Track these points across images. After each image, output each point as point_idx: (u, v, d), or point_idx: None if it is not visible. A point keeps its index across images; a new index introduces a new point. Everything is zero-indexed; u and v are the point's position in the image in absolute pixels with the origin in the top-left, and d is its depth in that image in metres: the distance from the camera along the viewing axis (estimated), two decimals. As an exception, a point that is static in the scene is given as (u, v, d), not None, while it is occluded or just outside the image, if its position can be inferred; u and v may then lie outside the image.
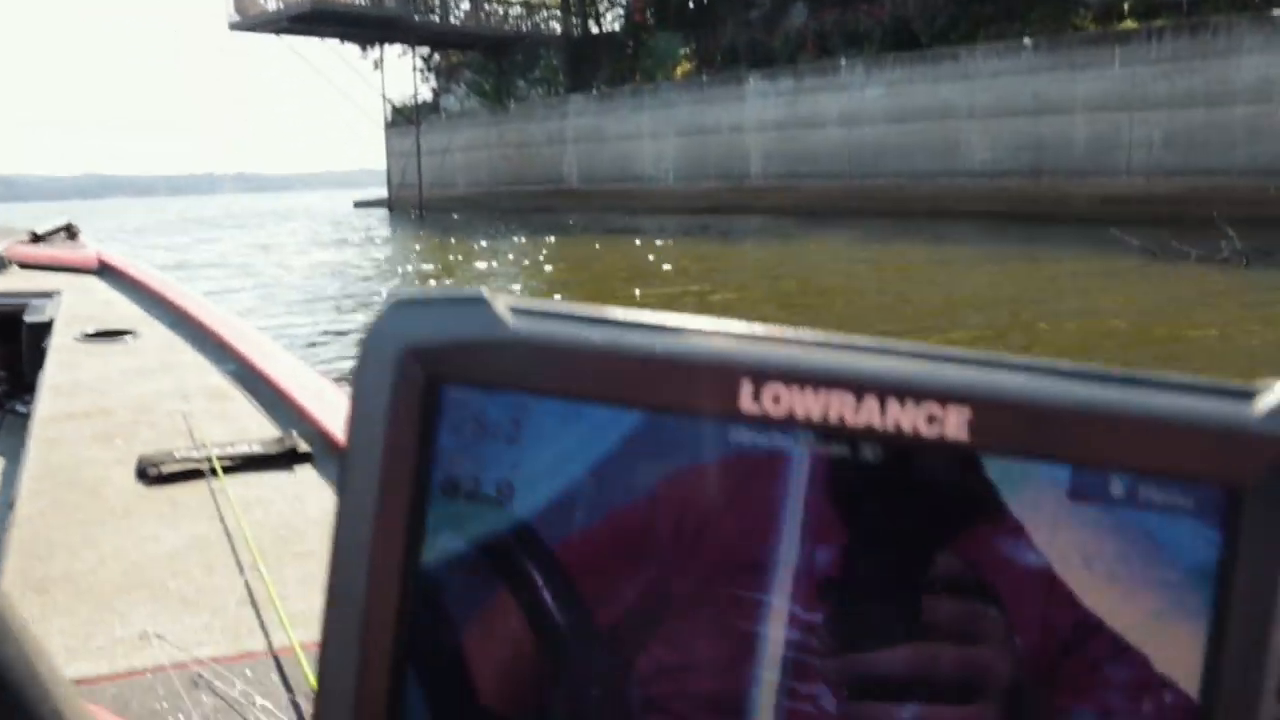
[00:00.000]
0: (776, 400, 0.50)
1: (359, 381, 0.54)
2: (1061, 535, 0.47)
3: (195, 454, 2.93)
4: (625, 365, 0.51)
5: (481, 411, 0.55)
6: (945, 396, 0.48)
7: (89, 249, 5.70)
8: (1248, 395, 0.46)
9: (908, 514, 0.49)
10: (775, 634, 0.50)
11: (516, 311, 0.54)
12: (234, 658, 1.91)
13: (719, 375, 0.50)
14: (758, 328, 0.51)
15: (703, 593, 0.51)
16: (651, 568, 0.52)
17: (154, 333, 4.40)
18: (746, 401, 0.50)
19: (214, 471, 2.77)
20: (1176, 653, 0.46)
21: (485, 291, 0.55)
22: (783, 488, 0.50)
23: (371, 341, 0.54)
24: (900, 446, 0.49)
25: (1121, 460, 0.47)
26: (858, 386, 0.49)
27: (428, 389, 0.54)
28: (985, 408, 0.48)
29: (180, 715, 1.68)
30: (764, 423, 0.50)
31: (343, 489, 0.54)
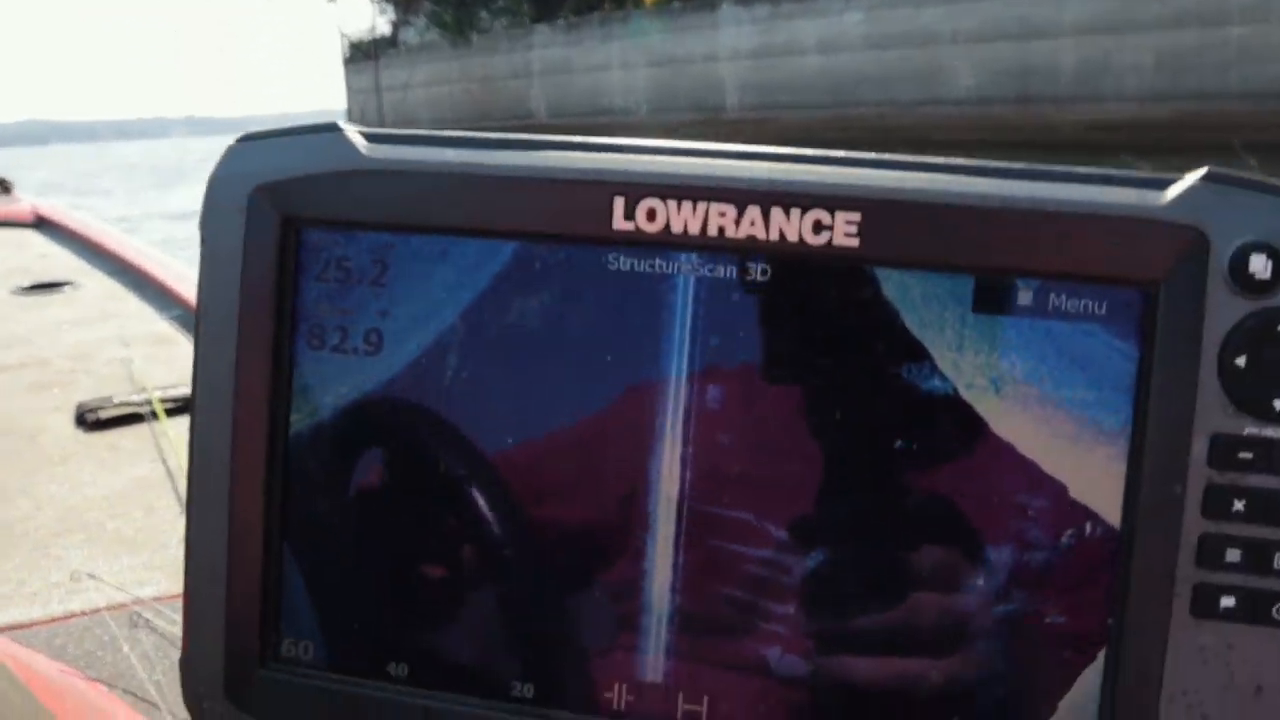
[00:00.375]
0: (652, 216, 0.48)
1: (207, 229, 0.53)
2: (968, 358, 0.46)
3: (135, 398, 2.90)
4: (488, 187, 0.50)
5: (344, 255, 0.53)
6: (832, 201, 0.46)
7: (23, 203, 5.63)
8: (1158, 185, 0.45)
9: (801, 340, 0.48)
10: (667, 469, 0.49)
11: (372, 138, 0.52)
12: (174, 596, 1.91)
13: (589, 192, 0.49)
14: (630, 141, 0.50)
15: (589, 426, 0.50)
16: (532, 406, 0.51)
17: (94, 283, 4.36)
18: (620, 220, 0.48)
19: (155, 415, 2.76)
20: (1095, 475, 0.45)
21: (340, 121, 0.53)
22: (666, 316, 0.49)
23: (218, 182, 0.52)
24: (787, 260, 0.48)
25: (1027, 263, 0.46)
26: (738, 196, 0.47)
27: (284, 232, 0.52)
28: (876, 210, 0.46)
29: (119, 655, 1.68)
30: (641, 244, 0.48)
31: (198, 348, 0.53)
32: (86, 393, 2.90)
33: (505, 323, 0.49)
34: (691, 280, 0.47)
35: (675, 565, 0.48)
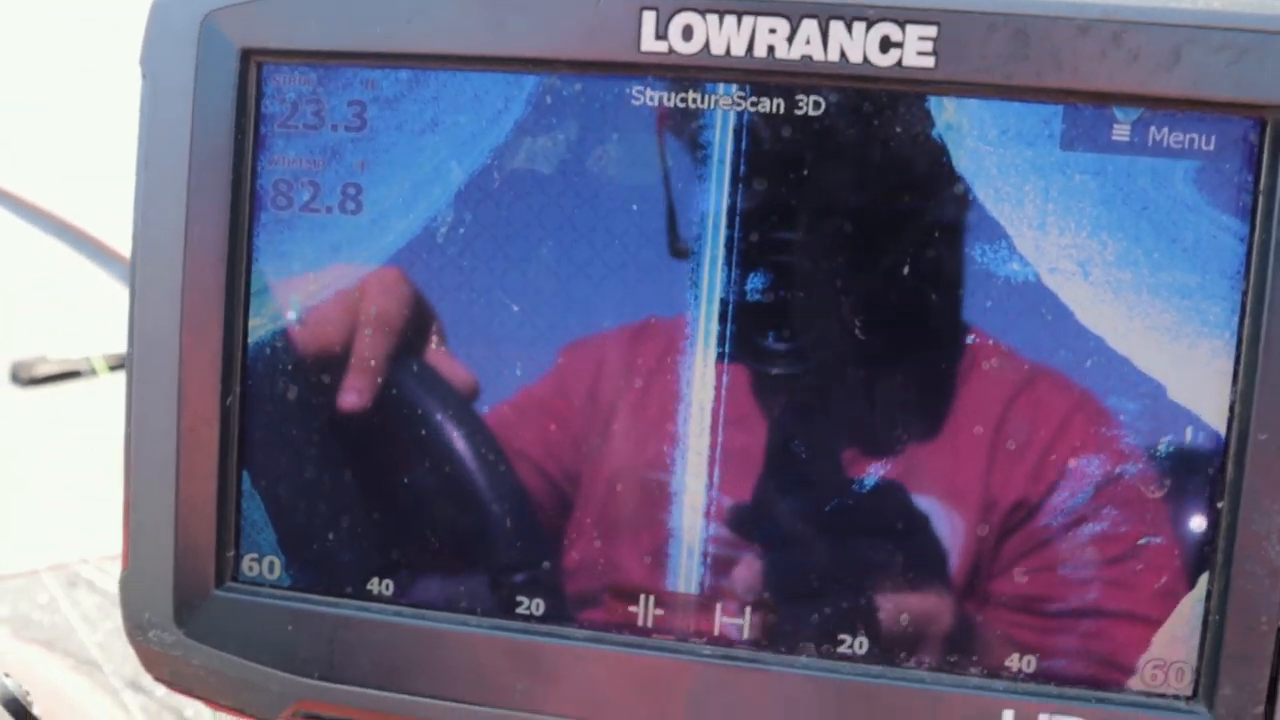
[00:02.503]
0: (689, 34, 0.40)
1: (149, 64, 0.43)
2: (1051, 237, 0.39)
3: (74, 355, 2.79)
4: (490, 3, 0.42)
5: (316, 94, 0.45)
6: (904, 12, 0.39)
7: None
8: None
9: (856, 190, 0.41)
10: (700, 367, 0.42)
11: None
12: (116, 556, 1.81)
13: (613, 6, 0.41)
14: None
15: (614, 308, 0.42)
16: (550, 293, 0.43)
17: (24, 236, 4.20)
18: (650, 39, 0.41)
19: (94, 370, 2.66)
20: (1197, 374, 0.38)
21: None
22: (702, 167, 0.41)
23: (163, 7, 0.44)
24: (847, 89, 0.40)
25: (1129, 88, 0.39)
26: (792, 7, 0.40)
27: (244, 67, 0.44)
28: (956, 23, 0.39)
29: (59, 615, 1.58)
30: (674, 70, 0.41)
31: (139, 209, 0.44)
32: (19, 351, 2.78)
33: (514, 179, 0.41)
34: (731, 116, 0.40)
35: (712, 471, 0.41)
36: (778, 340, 0.41)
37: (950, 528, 0.41)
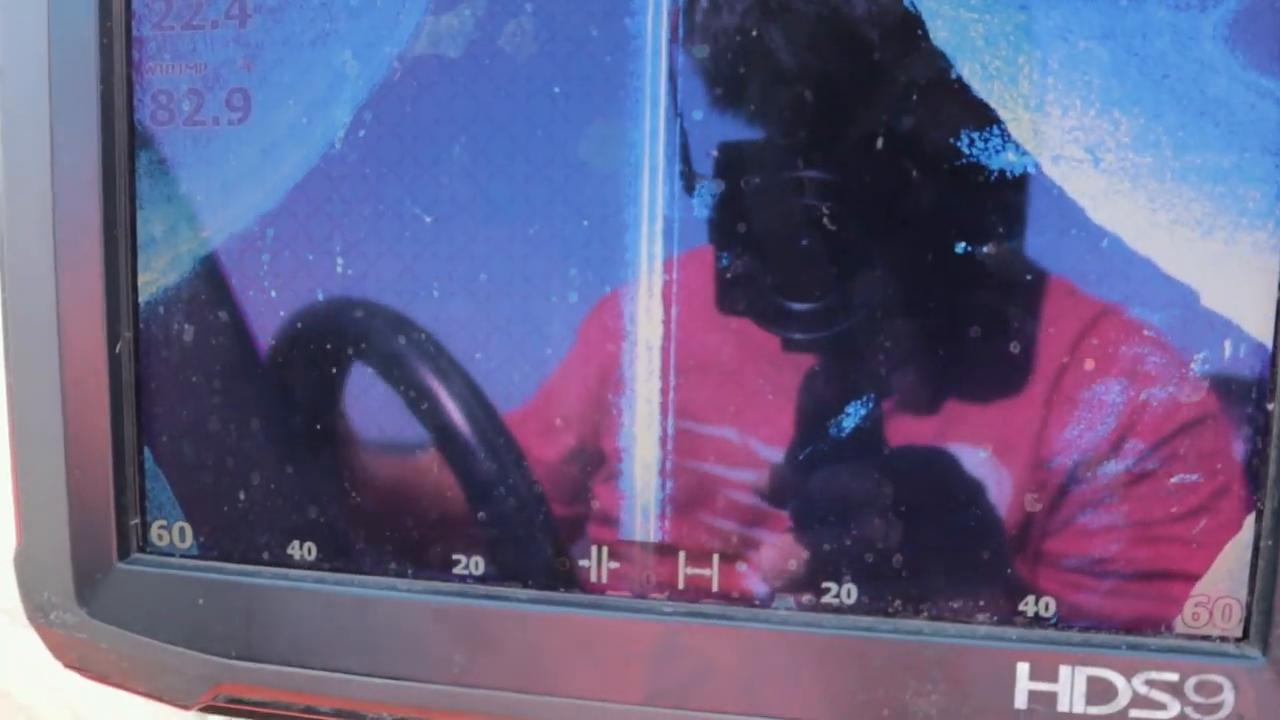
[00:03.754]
0: None
1: None
2: (1053, 118, 0.31)
3: None
4: None
5: None
6: None
7: None
8: None
9: (812, 74, 0.35)
10: (645, 274, 0.36)
11: None
12: None
13: None
14: None
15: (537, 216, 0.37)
16: (470, 211, 0.38)
17: None
18: None
19: None
20: (1236, 274, 0.32)
21: None
22: (630, 36, 0.35)
23: None
24: None
25: None
26: None
27: None
28: None
29: None
30: None
31: (3, 158, 0.39)
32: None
33: (417, 70, 0.35)
34: None
35: (666, 394, 0.36)
36: (730, 260, 0.35)
37: (960, 457, 0.35)
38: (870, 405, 0.35)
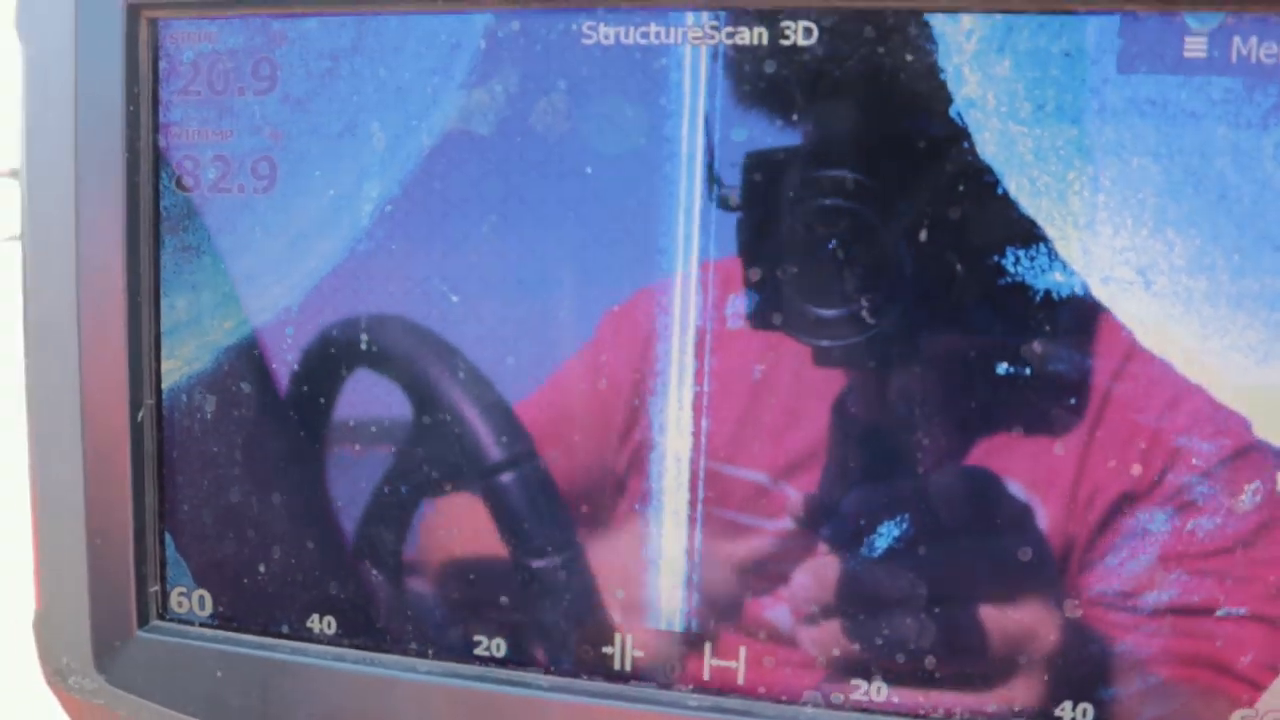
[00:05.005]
0: None
1: (25, 28, 0.38)
2: (1103, 237, 0.31)
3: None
4: None
5: (216, 51, 0.38)
6: None
7: None
8: None
9: (858, 142, 0.34)
10: (683, 310, 0.36)
11: None
12: None
13: None
14: None
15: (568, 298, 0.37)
16: (498, 275, 0.38)
17: None
18: None
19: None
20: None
21: None
22: (669, 117, 0.35)
23: None
24: (844, 10, 0.32)
25: None
26: None
27: (131, 23, 0.37)
28: None
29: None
30: None
31: (26, 205, 0.39)
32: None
33: (450, 144, 0.35)
34: (703, 52, 0.33)
35: (695, 485, 0.35)
36: (765, 325, 0.35)
37: (998, 562, 0.35)
38: (903, 515, 0.35)
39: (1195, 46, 0.31)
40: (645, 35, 0.34)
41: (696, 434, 0.36)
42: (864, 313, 0.34)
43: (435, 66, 0.36)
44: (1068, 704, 0.34)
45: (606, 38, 0.35)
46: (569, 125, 0.35)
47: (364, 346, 0.38)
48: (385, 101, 0.37)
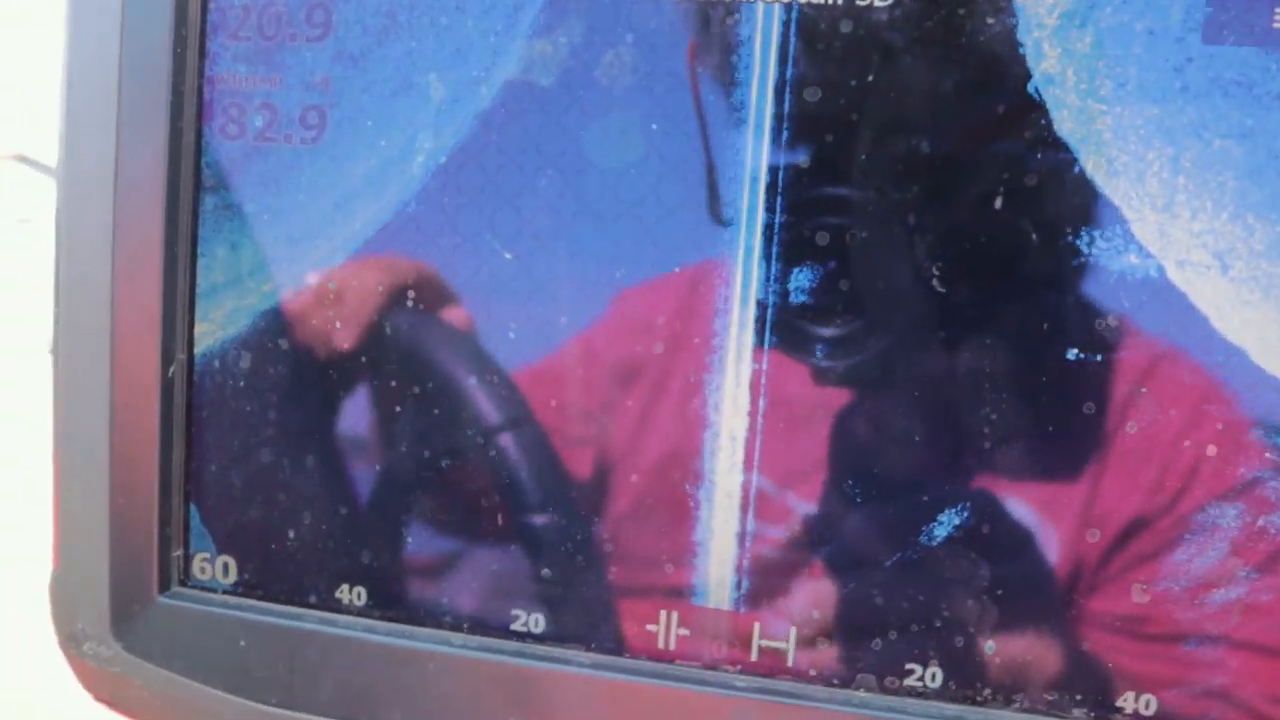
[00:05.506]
0: None
1: None
2: (1180, 212, 0.31)
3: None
4: None
5: None
6: None
7: None
8: None
9: (934, 112, 0.34)
10: (742, 293, 0.35)
11: None
12: None
13: None
14: None
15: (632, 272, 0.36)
16: (563, 254, 0.37)
17: None
18: None
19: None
20: None
21: None
22: (739, 79, 0.34)
23: None
24: None
25: None
26: None
27: None
28: None
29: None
30: None
31: (65, 143, 0.38)
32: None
33: (509, 98, 0.35)
34: (776, 11, 0.33)
35: (751, 458, 0.35)
36: (834, 313, 0.35)
37: (1052, 537, 0.35)
38: (963, 500, 0.35)
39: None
40: None
41: (753, 413, 0.35)
42: (934, 281, 0.33)
43: (497, 16, 0.35)
44: (1130, 695, 0.34)
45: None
46: (633, 80, 0.35)
47: (410, 305, 0.37)
48: (444, 52, 0.36)
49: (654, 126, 0.35)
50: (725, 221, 0.34)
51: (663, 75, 0.34)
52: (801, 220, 0.34)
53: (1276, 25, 0.30)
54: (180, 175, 0.37)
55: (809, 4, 0.33)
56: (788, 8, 0.33)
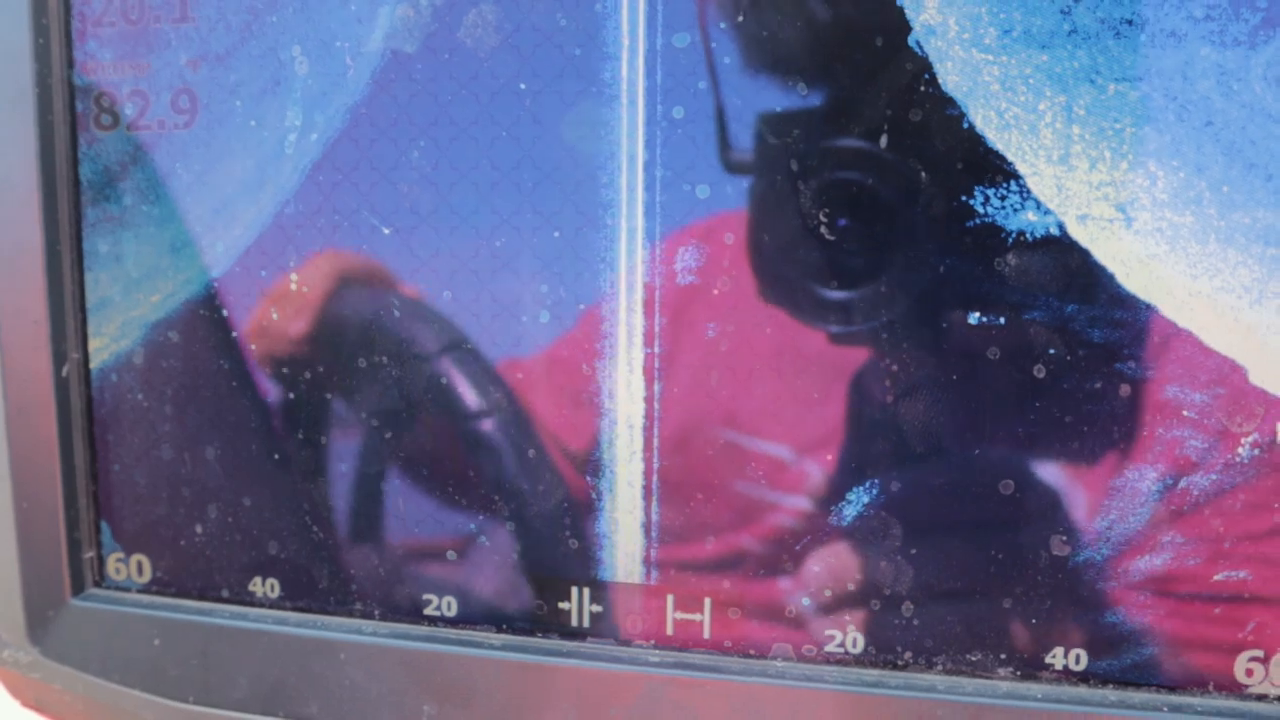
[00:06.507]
0: None
1: None
2: (1079, 168, 0.29)
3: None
4: None
5: None
6: None
7: None
8: None
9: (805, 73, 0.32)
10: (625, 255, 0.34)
11: None
12: None
13: None
14: None
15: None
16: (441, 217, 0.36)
17: None
18: None
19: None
20: None
21: None
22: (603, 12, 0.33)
23: None
24: None
25: None
26: None
27: None
28: None
29: None
30: None
31: None
32: None
33: (380, 68, 0.33)
34: None
35: (651, 419, 0.34)
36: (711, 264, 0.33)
37: (983, 495, 0.33)
38: (876, 470, 0.34)
39: None
40: None
41: (649, 397, 0.34)
42: (823, 229, 0.32)
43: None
44: (1058, 650, 0.33)
45: None
46: (499, 38, 0.33)
47: (296, 288, 0.36)
48: (305, 22, 0.34)
49: (521, 86, 0.33)
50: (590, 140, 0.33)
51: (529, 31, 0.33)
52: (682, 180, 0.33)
53: None
54: (55, 171, 0.37)
55: None
56: None
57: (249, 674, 0.37)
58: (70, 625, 0.38)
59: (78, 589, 0.38)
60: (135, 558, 0.39)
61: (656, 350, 0.34)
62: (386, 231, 0.35)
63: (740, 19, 0.31)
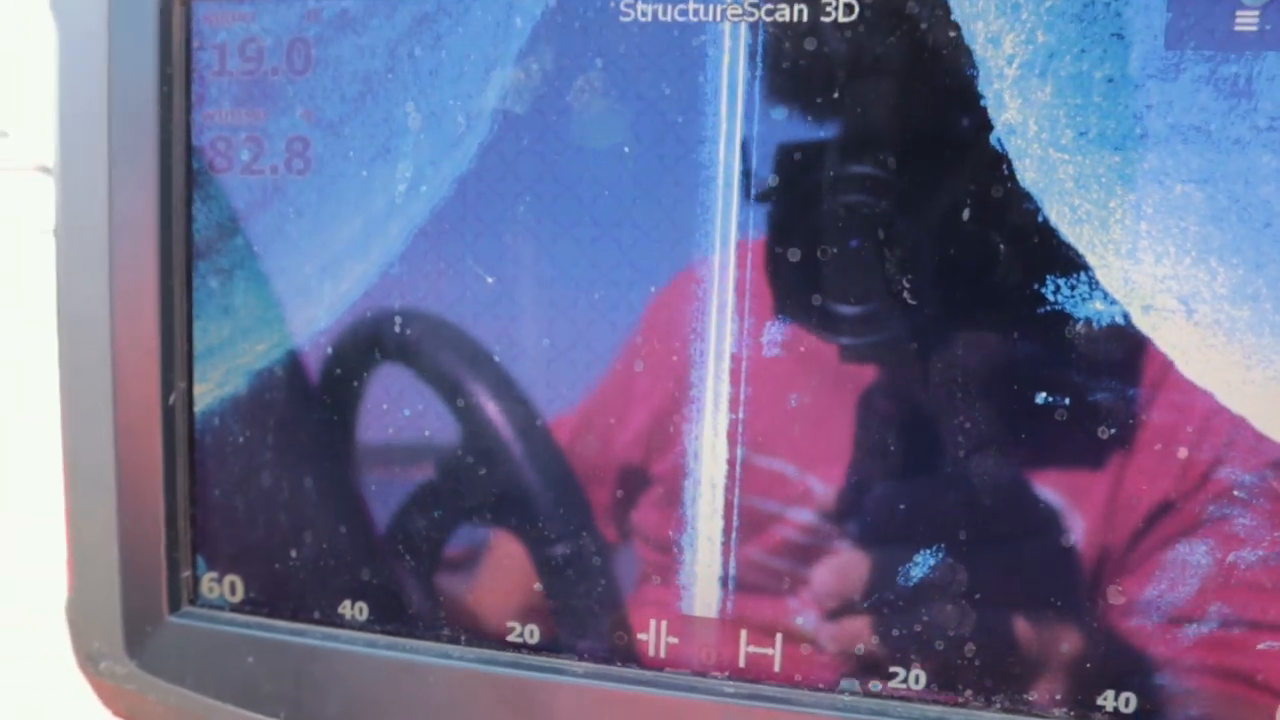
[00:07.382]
0: None
1: (60, 7, 0.39)
2: (1144, 264, 0.31)
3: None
4: None
5: (249, 31, 0.39)
6: None
7: None
8: None
9: (899, 121, 0.35)
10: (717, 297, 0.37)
11: None
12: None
13: None
14: None
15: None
16: (544, 275, 0.39)
17: None
18: None
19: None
20: None
21: None
22: (707, 96, 0.36)
23: None
24: None
25: None
26: None
27: (165, 5, 0.38)
28: None
29: None
30: None
31: (60, 185, 0.39)
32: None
33: (494, 126, 0.36)
34: (742, 30, 0.34)
35: (733, 471, 0.37)
36: (802, 312, 0.36)
37: (1042, 545, 0.37)
38: (937, 511, 0.37)
39: (1247, 20, 0.31)
40: (684, 12, 0.35)
41: (733, 426, 0.37)
42: (898, 309, 0.35)
43: (473, 46, 0.37)
44: (1109, 693, 0.36)
45: (644, 15, 0.35)
46: (605, 103, 0.36)
47: (398, 332, 0.39)
48: (421, 82, 0.37)
49: (625, 149, 0.36)
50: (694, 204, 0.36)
51: (632, 97, 0.36)
52: (777, 212, 0.36)
53: (1237, 29, 0.32)
54: (172, 209, 0.39)
55: (773, 23, 0.34)
56: (752, 27, 0.35)
57: (339, 693, 0.40)
58: (166, 640, 0.41)
59: (174, 606, 0.41)
60: (229, 578, 0.41)
61: (740, 416, 0.37)
62: (490, 280, 0.38)
63: (837, 106, 0.34)
